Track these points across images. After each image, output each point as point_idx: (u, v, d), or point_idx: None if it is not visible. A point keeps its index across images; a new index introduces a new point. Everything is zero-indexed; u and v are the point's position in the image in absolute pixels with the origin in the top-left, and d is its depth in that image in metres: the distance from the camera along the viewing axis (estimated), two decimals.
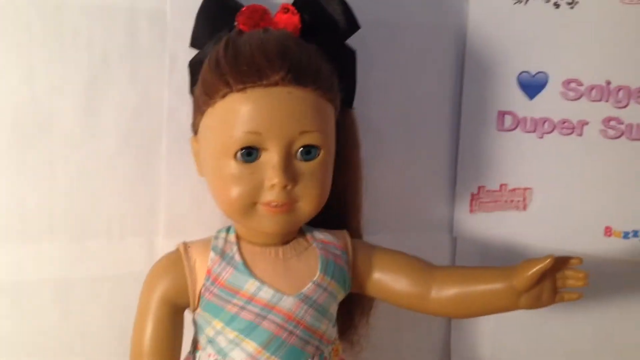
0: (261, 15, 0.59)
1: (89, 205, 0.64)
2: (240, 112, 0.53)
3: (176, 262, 0.58)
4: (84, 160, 0.63)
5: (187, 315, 0.59)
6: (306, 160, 0.55)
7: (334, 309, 0.60)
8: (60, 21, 0.61)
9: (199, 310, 0.57)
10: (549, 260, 0.56)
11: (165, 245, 0.65)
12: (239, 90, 0.53)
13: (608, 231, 0.72)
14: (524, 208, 0.75)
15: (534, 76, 0.73)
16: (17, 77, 0.60)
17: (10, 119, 0.61)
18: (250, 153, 0.54)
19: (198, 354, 0.59)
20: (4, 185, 0.62)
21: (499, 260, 0.75)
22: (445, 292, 0.60)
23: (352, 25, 0.62)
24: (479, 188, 0.77)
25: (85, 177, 0.64)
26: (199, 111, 0.57)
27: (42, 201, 0.63)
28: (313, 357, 0.57)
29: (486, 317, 0.73)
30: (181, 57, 0.63)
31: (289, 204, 0.55)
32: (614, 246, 0.72)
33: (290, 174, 0.54)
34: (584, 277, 0.58)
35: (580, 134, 0.72)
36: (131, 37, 0.63)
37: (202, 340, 0.58)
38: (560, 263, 0.59)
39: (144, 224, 0.67)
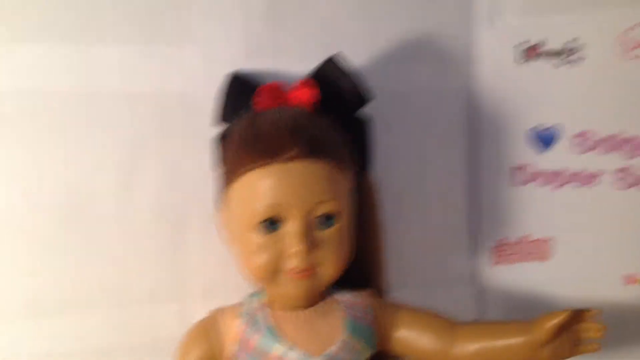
0: (278, 92, 0.63)
1: (126, 275, 0.68)
2: (260, 187, 0.56)
3: (208, 328, 0.61)
4: (121, 233, 0.67)
5: None
6: (325, 227, 0.58)
7: None
8: (96, 107, 0.66)
9: None
10: (566, 313, 0.58)
11: (199, 311, 0.66)
12: (258, 167, 0.57)
13: (629, 279, 0.72)
14: (546, 259, 0.77)
15: (544, 131, 0.75)
16: (58, 161, 0.65)
17: (54, 200, 0.65)
18: (272, 224, 0.57)
19: None
20: (48, 260, 0.65)
21: (525, 310, 0.76)
22: (468, 347, 0.62)
23: (364, 97, 0.65)
24: (500, 241, 0.78)
25: (122, 249, 0.67)
26: (223, 186, 0.61)
27: (82, 274, 0.66)
28: None
29: None
30: (207, 135, 0.67)
31: (310, 270, 0.58)
32: (636, 294, 0.72)
33: (310, 241, 0.57)
34: (602, 328, 0.60)
35: (594, 185, 0.73)
36: (160, 118, 0.67)
37: None
38: (579, 315, 0.60)
39: (178, 291, 0.69)
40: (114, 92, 0.66)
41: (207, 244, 0.69)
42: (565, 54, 0.74)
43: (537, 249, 0.77)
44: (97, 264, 0.67)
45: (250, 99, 0.63)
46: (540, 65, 0.75)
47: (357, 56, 0.71)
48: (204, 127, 0.67)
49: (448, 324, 0.63)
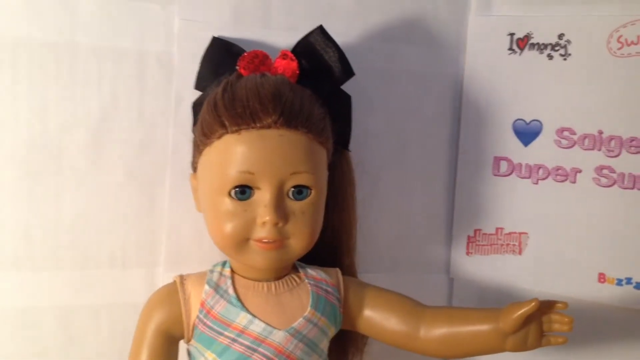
0: (261, 60, 0.62)
1: (93, 235, 0.66)
2: (234, 152, 0.55)
3: (172, 294, 0.60)
4: (90, 192, 0.66)
5: (183, 346, 0.60)
6: (297, 199, 0.57)
7: (324, 344, 0.61)
8: (73, 61, 0.64)
9: (192, 341, 0.59)
10: (533, 304, 0.57)
11: (165, 277, 0.66)
12: (233, 132, 0.55)
13: (602, 277, 0.72)
14: (520, 252, 0.76)
15: (528, 124, 0.75)
16: (30, 113, 0.63)
17: (22, 152, 0.63)
18: (243, 191, 0.56)
19: None
20: (13, 214, 0.64)
21: (496, 302, 0.75)
22: (434, 332, 0.62)
23: (347, 72, 0.64)
24: (476, 231, 0.78)
25: (91, 208, 0.66)
26: (197, 150, 0.60)
27: (49, 231, 0.65)
28: None
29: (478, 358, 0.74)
30: (186, 97, 0.66)
31: (279, 241, 0.57)
32: (608, 293, 0.72)
33: (281, 212, 0.56)
34: (569, 321, 0.59)
35: (574, 181, 0.73)
36: (139, 77, 0.66)
37: None
38: (547, 307, 0.60)
39: (145, 256, 0.68)
40: (93, 46, 0.64)
41: (180, 208, 0.67)
42: (554, 48, 0.73)
43: (511, 242, 0.77)
44: (64, 221, 0.65)
45: (233, 64, 0.62)
46: (528, 58, 0.75)
47: (346, 31, 0.71)
48: (182, 88, 0.66)
49: (416, 307, 0.63)
